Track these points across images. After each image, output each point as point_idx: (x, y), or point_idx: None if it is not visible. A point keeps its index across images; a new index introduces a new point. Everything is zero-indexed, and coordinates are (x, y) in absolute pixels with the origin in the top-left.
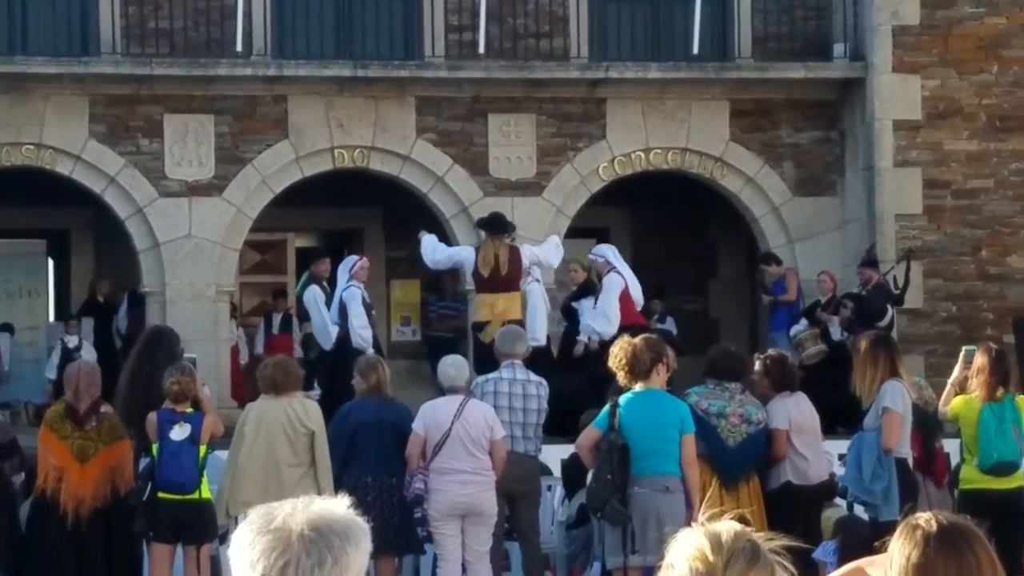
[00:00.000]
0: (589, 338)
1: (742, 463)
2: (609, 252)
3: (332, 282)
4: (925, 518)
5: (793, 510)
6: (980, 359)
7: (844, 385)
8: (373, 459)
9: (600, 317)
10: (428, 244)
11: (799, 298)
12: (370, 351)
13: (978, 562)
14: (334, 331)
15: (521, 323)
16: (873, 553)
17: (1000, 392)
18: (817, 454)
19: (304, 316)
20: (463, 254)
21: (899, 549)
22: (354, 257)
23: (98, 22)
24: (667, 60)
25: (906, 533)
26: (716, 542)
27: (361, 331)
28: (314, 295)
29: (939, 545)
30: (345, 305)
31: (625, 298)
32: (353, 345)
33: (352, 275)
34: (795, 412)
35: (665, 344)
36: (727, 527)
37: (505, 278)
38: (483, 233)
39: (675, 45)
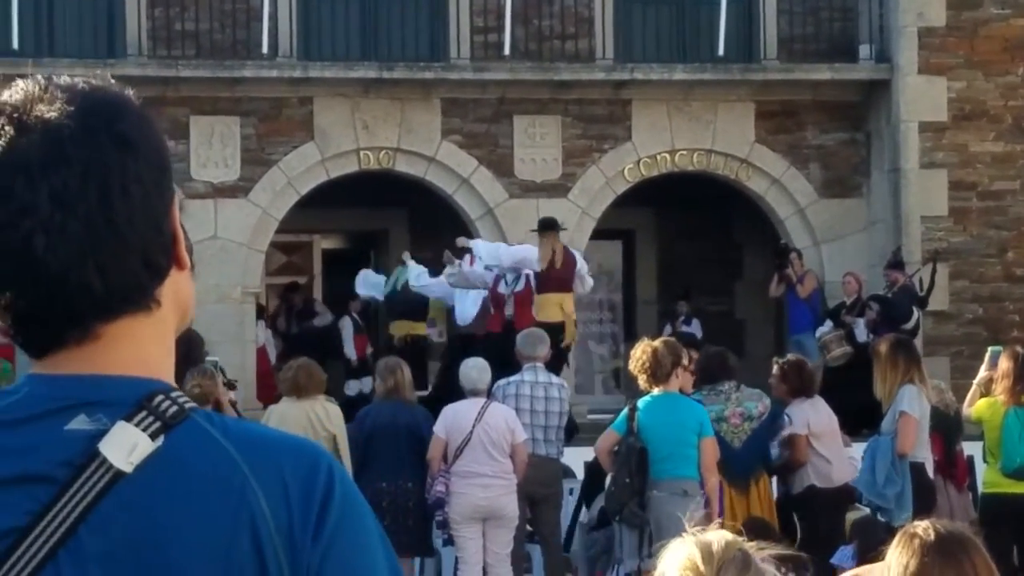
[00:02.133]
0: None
1: (750, 462)
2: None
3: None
4: (923, 526)
5: (817, 513)
6: (1005, 363)
7: (869, 387)
8: (387, 463)
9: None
10: (481, 248)
11: (815, 300)
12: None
13: (975, 570)
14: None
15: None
16: None
17: None
18: (839, 456)
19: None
20: (527, 250)
21: (896, 557)
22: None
23: (124, 24)
24: (692, 61)
25: (904, 541)
26: (707, 552)
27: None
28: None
29: (936, 554)
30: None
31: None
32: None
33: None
34: (813, 416)
35: (683, 348)
36: (718, 536)
37: (561, 274)
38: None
39: (700, 46)
